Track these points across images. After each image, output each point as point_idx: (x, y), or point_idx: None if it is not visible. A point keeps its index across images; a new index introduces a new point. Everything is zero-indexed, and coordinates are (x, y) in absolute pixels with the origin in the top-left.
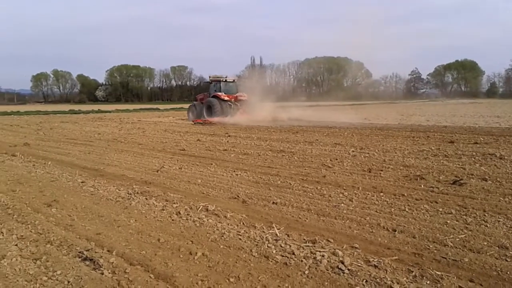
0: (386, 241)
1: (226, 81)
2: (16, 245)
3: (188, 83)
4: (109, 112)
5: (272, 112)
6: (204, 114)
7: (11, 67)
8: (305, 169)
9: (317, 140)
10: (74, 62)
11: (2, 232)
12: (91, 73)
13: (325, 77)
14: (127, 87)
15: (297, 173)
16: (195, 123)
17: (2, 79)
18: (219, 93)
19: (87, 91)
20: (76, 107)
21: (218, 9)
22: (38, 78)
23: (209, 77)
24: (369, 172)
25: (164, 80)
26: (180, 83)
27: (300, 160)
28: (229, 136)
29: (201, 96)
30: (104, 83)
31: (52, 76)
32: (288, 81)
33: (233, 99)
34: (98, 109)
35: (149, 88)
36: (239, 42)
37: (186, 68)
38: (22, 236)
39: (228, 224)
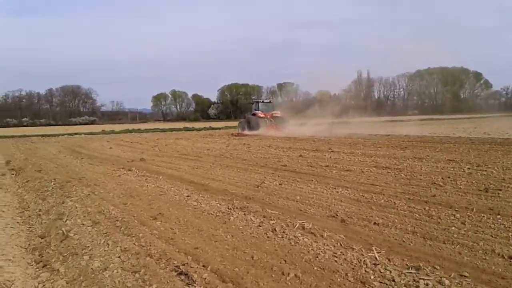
0: (500, 270)
1: (263, 101)
2: (119, 257)
3: (294, 99)
4: (219, 128)
5: (300, 127)
6: (245, 128)
7: (135, 87)
8: (413, 187)
9: (428, 156)
10: (190, 82)
11: (108, 244)
12: (204, 92)
13: (439, 89)
14: (237, 104)
15: (403, 191)
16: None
17: (126, 99)
18: (257, 112)
19: (201, 109)
20: (190, 125)
21: (323, 24)
22: (158, 98)
23: (252, 98)
24: (486, 192)
25: (271, 97)
26: (285, 99)
27: (407, 177)
28: (332, 151)
29: (247, 114)
30: (216, 101)
31: (170, 96)
32: (397, 94)
33: (268, 116)
34: (210, 126)
35: None
36: (346, 56)
37: (292, 84)
38: (125, 248)
39: (324, 244)
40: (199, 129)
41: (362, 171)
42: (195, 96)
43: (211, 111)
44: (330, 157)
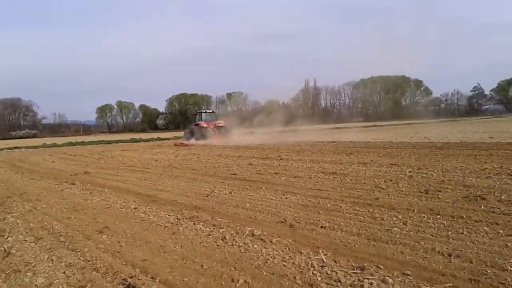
0: (440, 267)
1: (206, 112)
2: (64, 272)
3: (243, 108)
4: (168, 139)
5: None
6: (190, 139)
7: (78, 99)
8: (357, 191)
9: (372, 161)
10: (136, 93)
11: (52, 260)
12: (152, 103)
13: (381, 97)
14: (186, 114)
15: (348, 195)
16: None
17: (69, 111)
18: (200, 122)
19: (149, 120)
20: (137, 136)
21: (275, 37)
22: (103, 110)
23: (195, 109)
24: (426, 193)
25: (221, 107)
26: (235, 108)
27: (352, 182)
28: (281, 159)
29: (191, 125)
30: (164, 112)
31: (116, 107)
32: (343, 102)
33: (211, 126)
34: (158, 137)
35: None
36: (295, 67)
37: (241, 94)
38: (70, 263)
39: (273, 250)
40: (147, 140)
41: (310, 177)
42: (142, 107)
43: (159, 122)
44: (279, 165)
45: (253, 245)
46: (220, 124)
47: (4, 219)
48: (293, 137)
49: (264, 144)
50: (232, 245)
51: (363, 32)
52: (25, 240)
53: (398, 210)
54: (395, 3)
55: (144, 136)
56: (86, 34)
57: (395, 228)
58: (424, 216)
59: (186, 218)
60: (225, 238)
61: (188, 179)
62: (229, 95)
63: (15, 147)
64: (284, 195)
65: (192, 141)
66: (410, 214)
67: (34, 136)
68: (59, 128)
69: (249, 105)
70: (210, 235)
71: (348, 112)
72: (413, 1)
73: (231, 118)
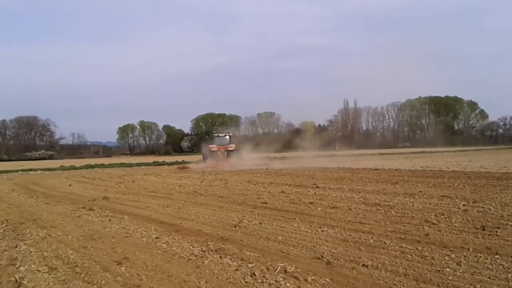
0: None
1: (218, 135)
2: None
3: (275, 130)
4: (193, 162)
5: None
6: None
7: (98, 118)
8: (404, 225)
9: (421, 192)
10: (160, 113)
11: None
12: (176, 123)
13: (430, 120)
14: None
15: (393, 230)
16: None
17: (88, 131)
18: (211, 145)
19: (173, 142)
20: (160, 159)
21: (308, 52)
22: (124, 130)
23: (213, 132)
24: (483, 230)
25: (251, 128)
26: (266, 130)
27: (398, 215)
28: (317, 187)
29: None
30: (189, 133)
31: (138, 127)
32: (387, 125)
33: (222, 149)
34: (182, 160)
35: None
36: (332, 85)
37: (273, 114)
38: None
39: None
40: (171, 163)
41: (350, 208)
42: (166, 127)
43: (184, 144)
44: (315, 193)
45: (285, 283)
46: (230, 148)
47: (16, 247)
48: (331, 162)
49: (298, 170)
50: (262, 282)
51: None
52: (38, 270)
53: (451, 249)
54: (444, 13)
55: (167, 159)
56: (103, 48)
57: (448, 269)
58: (480, 256)
59: (212, 251)
60: (255, 275)
61: (215, 207)
62: (259, 116)
63: (30, 169)
64: (320, 227)
65: (203, 164)
66: (464, 253)
67: (50, 157)
68: (78, 149)
69: (282, 127)
70: (237, 270)
71: (393, 136)
72: (464, 11)
73: (253, 141)
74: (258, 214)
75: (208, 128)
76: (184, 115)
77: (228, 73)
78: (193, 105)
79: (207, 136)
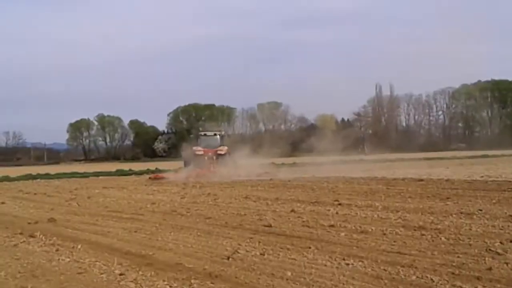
0: None
1: (205, 134)
2: None
3: (282, 126)
4: (171, 171)
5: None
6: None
7: (41, 112)
8: (458, 257)
9: (481, 210)
10: (126, 104)
11: None
12: (148, 118)
13: (495, 112)
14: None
15: (444, 263)
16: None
17: (28, 131)
18: (195, 147)
19: (143, 143)
20: (126, 166)
21: (330, 20)
22: (77, 128)
23: (200, 130)
24: None
25: (249, 124)
26: (271, 126)
27: (450, 242)
28: (339, 204)
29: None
30: (165, 131)
31: (96, 123)
32: (435, 119)
33: (210, 153)
34: (156, 168)
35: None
36: (360, 65)
37: (279, 105)
38: None
39: None
40: (140, 173)
41: (384, 233)
42: (134, 124)
43: (159, 146)
44: (337, 213)
45: None
46: (221, 152)
47: None
48: (358, 171)
49: (313, 180)
50: None
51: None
52: None
53: None
54: None
55: (136, 166)
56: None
57: None
58: None
59: None
60: None
61: (200, 233)
62: (261, 107)
63: None
64: (344, 259)
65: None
66: None
67: None
68: (13, 154)
69: (291, 122)
70: None
71: (443, 134)
72: None
73: (252, 142)
74: (260, 242)
75: (191, 124)
76: (158, 107)
77: (220, 50)
78: (171, 93)
79: (190, 135)
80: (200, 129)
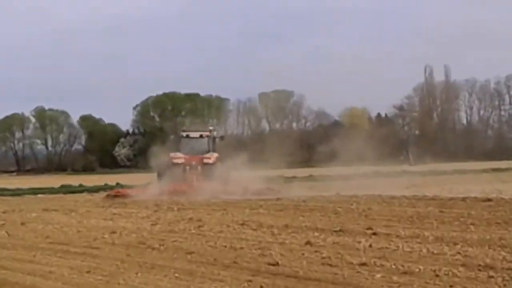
0: None
1: (188, 136)
2: None
3: (294, 124)
4: (138, 186)
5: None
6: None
7: None
8: None
9: None
10: (76, 94)
11: None
12: (106, 113)
13: None
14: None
15: None
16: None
17: None
18: (172, 154)
19: (99, 148)
20: (75, 180)
21: None
22: (7, 126)
23: (182, 129)
24: None
25: (247, 121)
26: (278, 125)
27: None
28: (374, 234)
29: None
30: (130, 131)
31: (33, 120)
32: (509, 114)
33: (194, 161)
34: (117, 183)
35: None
36: (401, 40)
37: (290, 94)
38: None
39: None
40: (95, 189)
41: (437, 275)
42: (85, 121)
43: (121, 152)
44: (370, 246)
45: None
46: (209, 161)
47: None
48: (400, 186)
49: (336, 200)
50: None
51: None
52: None
53: None
54: None
55: (89, 180)
56: None
57: None
58: None
59: None
60: None
61: (178, 273)
62: (264, 97)
63: None
64: None
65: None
66: None
67: None
68: None
69: (306, 118)
70: None
71: None
72: None
73: (251, 145)
74: (262, 287)
75: (163, 120)
76: (120, 99)
77: (207, 19)
78: (139, 80)
79: (166, 137)
80: (182, 128)
